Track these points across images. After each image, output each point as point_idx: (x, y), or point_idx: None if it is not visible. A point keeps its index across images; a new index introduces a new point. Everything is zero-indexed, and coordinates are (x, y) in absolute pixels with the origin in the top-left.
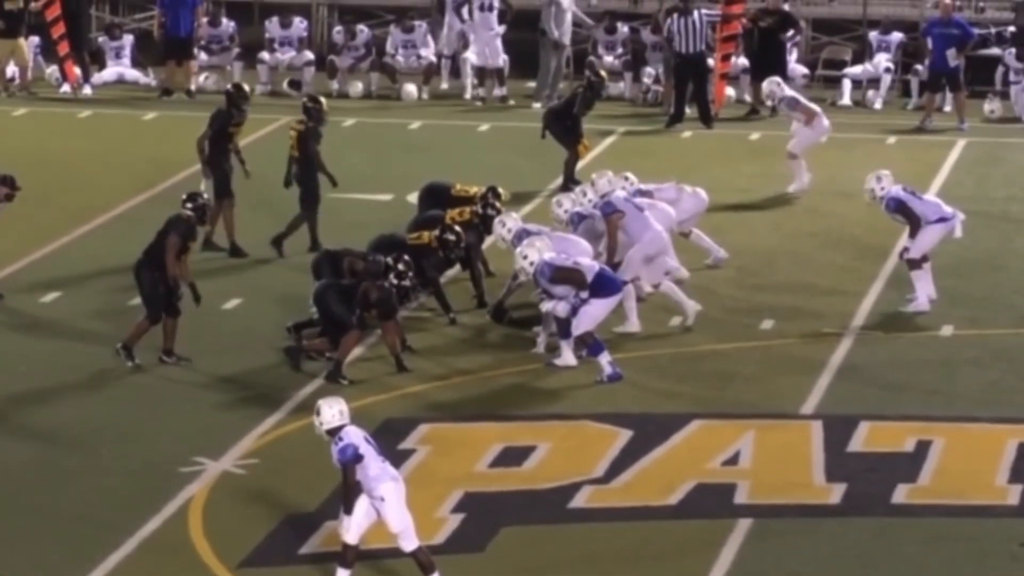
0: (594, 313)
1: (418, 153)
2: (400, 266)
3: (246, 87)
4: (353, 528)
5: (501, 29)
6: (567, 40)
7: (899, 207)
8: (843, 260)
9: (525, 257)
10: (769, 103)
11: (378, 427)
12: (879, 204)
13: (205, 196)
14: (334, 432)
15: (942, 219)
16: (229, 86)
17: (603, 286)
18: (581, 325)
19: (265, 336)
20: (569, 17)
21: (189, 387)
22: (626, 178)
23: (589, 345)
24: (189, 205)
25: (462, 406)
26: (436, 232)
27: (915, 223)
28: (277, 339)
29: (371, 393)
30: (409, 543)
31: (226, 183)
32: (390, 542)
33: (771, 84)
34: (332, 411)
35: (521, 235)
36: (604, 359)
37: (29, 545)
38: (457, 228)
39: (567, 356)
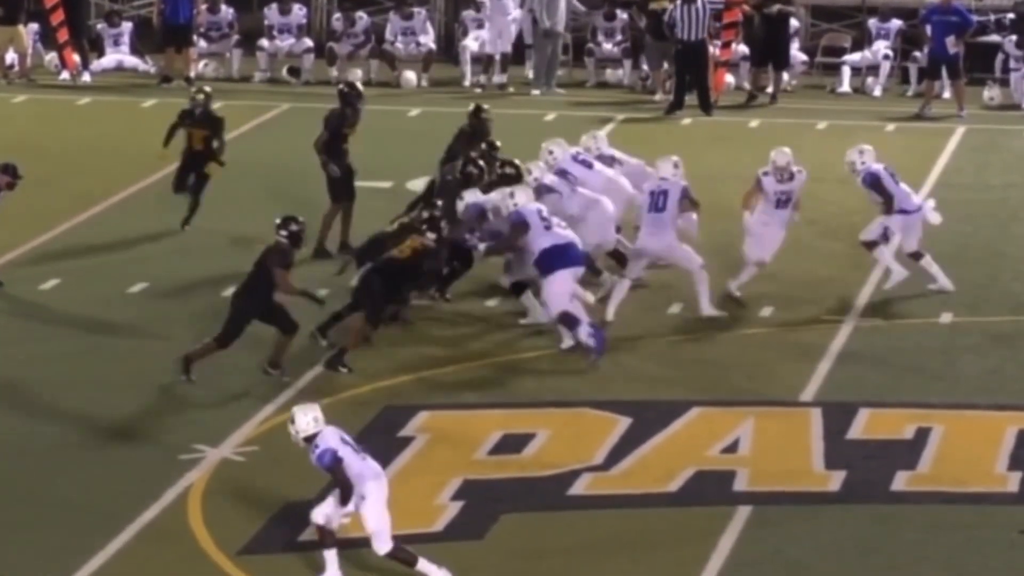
0: (556, 290)
1: (417, 140)
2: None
3: (359, 85)
4: (325, 513)
5: (517, 14)
6: (561, 28)
7: (874, 182)
8: (842, 247)
9: (512, 195)
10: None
11: (377, 415)
12: (857, 177)
13: (301, 220)
14: (310, 439)
15: (904, 211)
16: (342, 85)
17: (555, 259)
18: (553, 307)
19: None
20: (562, 5)
21: None
22: (595, 137)
23: (567, 321)
24: (283, 232)
25: (461, 393)
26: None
27: (888, 201)
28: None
29: (370, 380)
30: (383, 545)
31: (343, 184)
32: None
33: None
34: (307, 419)
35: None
36: (584, 332)
37: (28, 533)
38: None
39: (534, 309)
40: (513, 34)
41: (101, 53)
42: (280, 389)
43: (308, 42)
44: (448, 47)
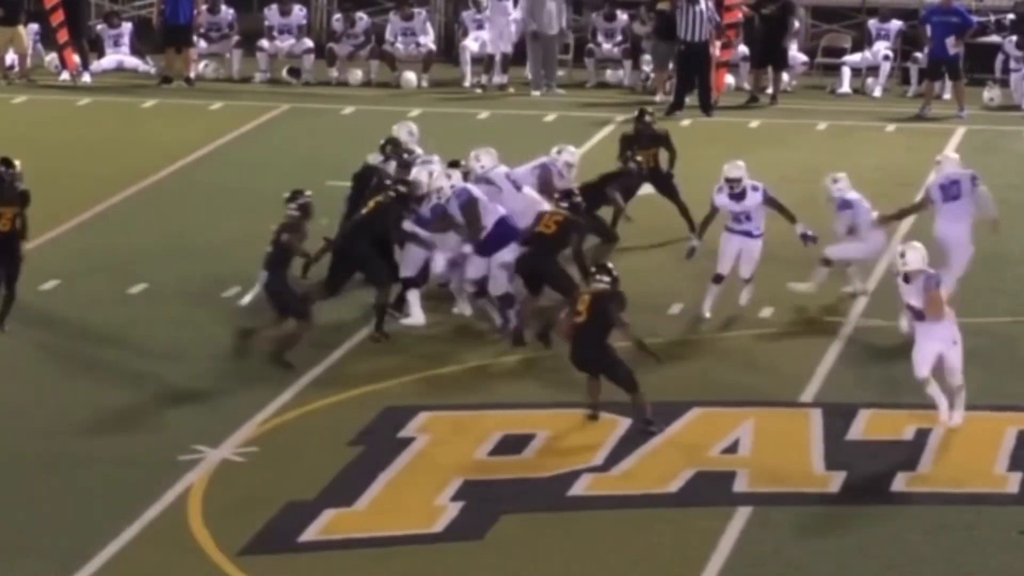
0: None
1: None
2: None
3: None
4: None
5: (517, 14)
6: (552, 31)
7: (773, 199)
8: None
9: (449, 176)
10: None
11: (378, 415)
12: (756, 193)
13: (612, 269)
14: None
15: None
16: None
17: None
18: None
19: (265, 323)
20: (551, 7)
21: (188, 375)
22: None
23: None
24: (605, 279)
25: (462, 394)
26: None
27: (789, 212)
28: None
29: (371, 381)
30: None
31: None
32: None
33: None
34: None
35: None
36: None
37: (28, 533)
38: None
39: (415, 313)
40: (514, 34)
41: (101, 54)
42: (280, 390)
43: (308, 43)
44: (448, 48)
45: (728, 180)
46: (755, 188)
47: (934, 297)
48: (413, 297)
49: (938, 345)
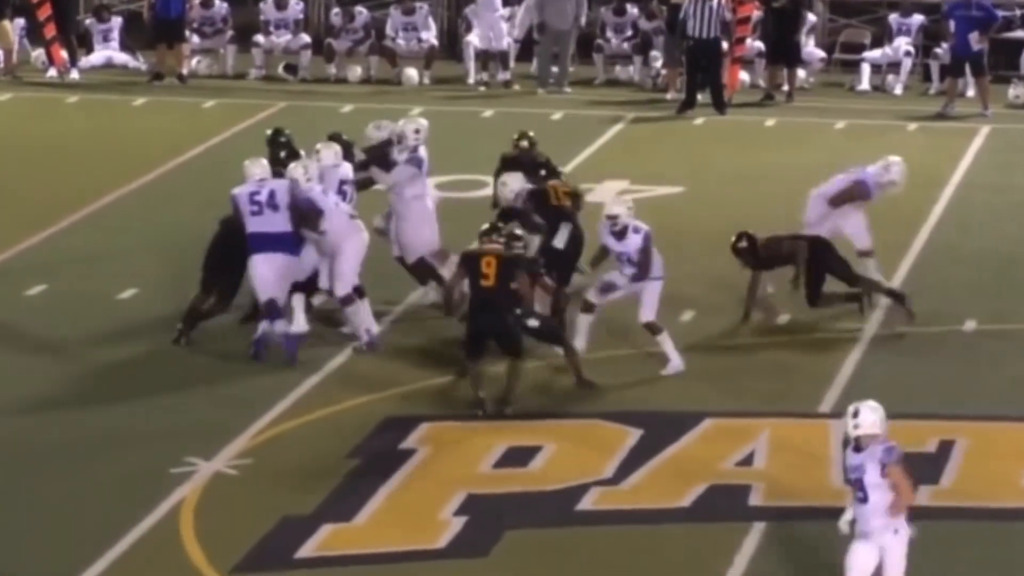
0: (255, 272)
1: None
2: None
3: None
4: None
5: (506, 11)
6: (564, 25)
7: (648, 246)
8: None
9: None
10: None
11: (378, 426)
12: (634, 236)
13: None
14: None
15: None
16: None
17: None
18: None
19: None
20: (567, 2)
21: (180, 385)
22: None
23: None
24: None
25: (464, 404)
26: None
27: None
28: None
29: (372, 391)
30: None
31: None
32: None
33: None
34: None
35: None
36: (279, 327)
37: (16, 546)
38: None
39: (299, 318)
40: (504, 31)
41: (90, 49)
42: (275, 400)
43: (305, 38)
44: (451, 43)
45: (607, 216)
46: (636, 231)
47: (895, 475)
48: (297, 302)
49: (878, 539)
